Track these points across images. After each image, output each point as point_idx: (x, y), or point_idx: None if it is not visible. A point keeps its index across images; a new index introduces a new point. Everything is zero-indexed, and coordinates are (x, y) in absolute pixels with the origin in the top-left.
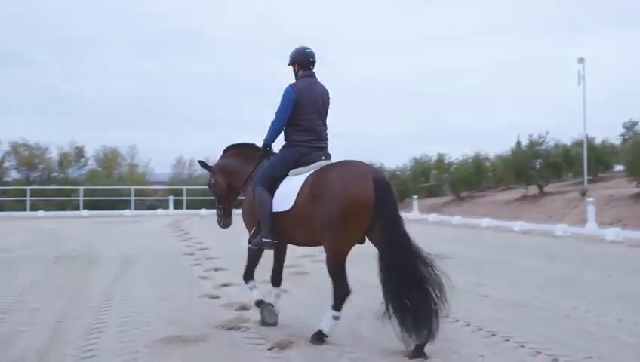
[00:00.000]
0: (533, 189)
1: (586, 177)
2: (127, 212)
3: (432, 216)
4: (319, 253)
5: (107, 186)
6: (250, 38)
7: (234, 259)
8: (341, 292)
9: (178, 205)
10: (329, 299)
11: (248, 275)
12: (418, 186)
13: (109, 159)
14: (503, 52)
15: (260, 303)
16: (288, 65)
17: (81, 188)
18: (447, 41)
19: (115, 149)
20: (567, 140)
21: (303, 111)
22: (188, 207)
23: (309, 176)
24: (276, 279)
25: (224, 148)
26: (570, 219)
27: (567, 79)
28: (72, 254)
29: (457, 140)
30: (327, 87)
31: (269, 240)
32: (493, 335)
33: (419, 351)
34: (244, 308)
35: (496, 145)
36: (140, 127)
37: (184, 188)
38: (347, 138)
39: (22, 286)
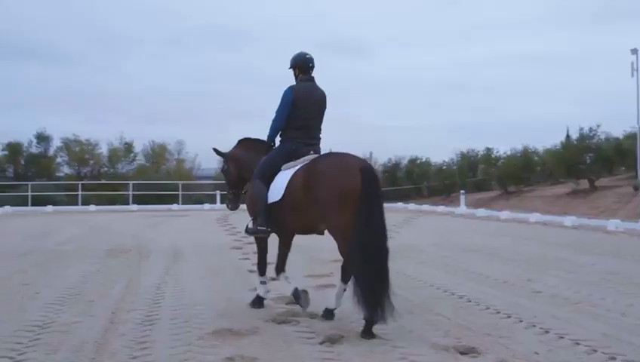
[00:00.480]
0: (583, 184)
1: (639, 171)
2: (175, 206)
3: (480, 211)
4: None
5: (155, 181)
6: (290, 32)
7: None
8: (347, 272)
9: (225, 200)
10: None
11: (261, 268)
12: (465, 181)
13: (157, 154)
14: (552, 42)
15: (261, 299)
16: (289, 68)
17: (131, 182)
18: (492, 31)
19: (163, 145)
20: (619, 133)
21: (300, 111)
22: None
23: (298, 169)
24: (280, 266)
25: (239, 139)
26: (622, 215)
27: (620, 70)
28: (123, 247)
29: (504, 134)
30: (324, 90)
31: (264, 228)
32: (547, 332)
33: (368, 327)
34: (293, 301)
35: (545, 138)
36: (187, 123)
37: None
38: (390, 131)
39: (76, 278)
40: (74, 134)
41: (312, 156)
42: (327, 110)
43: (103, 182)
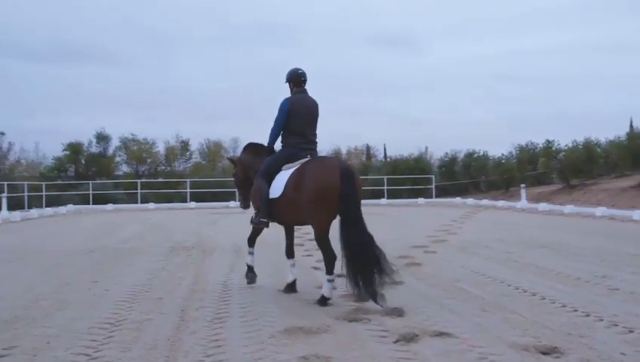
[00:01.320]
0: None
1: None
2: (232, 203)
3: (542, 205)
4: (431, 243)
5: (211, 179)
6: (339, 27)
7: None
8: (329, 258)
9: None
10: (448, 290)
11: (251, 241)
12: (525, 174)
13: (213, 152)
14: (610, 30)
15: (249, 268)
16: (285, 83)
17: (188, 180)
18: (546, 19)
19: (218, 142)
20: None
21: (295, 119)
22: None
23: (294, 171)
24: (289, 252)
25: (244, 146)
26: None
27: None
28: (185, 245)
29: (563, 126)
30: (316, 100)
31: (265, 220)
32: (631, 331)
33: (381, 303)
34: (362, 299)
35: (607, 130)
36: (241, 120)
37: None
38: (445, 125)
39: (143, 275)
40: (132, 133)
41: (305, 159)
42: (319, 116)
43: (161, 180)
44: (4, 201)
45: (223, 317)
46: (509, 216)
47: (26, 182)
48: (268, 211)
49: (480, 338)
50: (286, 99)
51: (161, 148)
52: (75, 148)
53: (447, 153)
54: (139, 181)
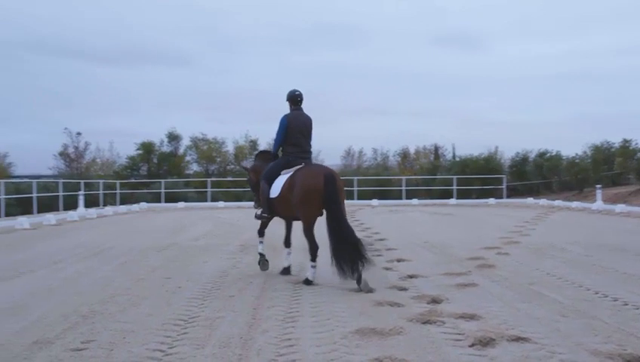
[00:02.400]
0: None
1: None
2: None
3: (620, 207)
4: (503, 245)
5: None
6: (404, 27)
7: (415, 250)
8: (313, 248)
9: (349, 196)
10: (523, 294)
11: (260, 233)
12: (600, 175)
13: None
14: None
15: (261, 255)
16: (285, 101)
17: None
18: (615, 17)
19: None
20: None
21: (292, 133)
22: (359, 198)
23: (289, 176)
24: (287, 242)
25: (255, 153)
26: None
27: None
28: (255, 243)
29: (637, 125)
30: (310, 116)
31: (266, 215)
32: None
33: (362, 286)
34: (435, 301)
35: None
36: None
37: (355, 178)
38: (515, 125)
39: (214, 273)
40: (202, 133)
41: (299, 166)
42: (313, 129)
43: (230, 179)
44: (82, 199)
45: (294, 316)
46: (584, 217)
47: (101, 181)
48: (269, 208)
49: (560, 344)
50: (285, 116)
51: (230, 147)
52: (147, 148)
53: (518, 153)
54: (209, 180)
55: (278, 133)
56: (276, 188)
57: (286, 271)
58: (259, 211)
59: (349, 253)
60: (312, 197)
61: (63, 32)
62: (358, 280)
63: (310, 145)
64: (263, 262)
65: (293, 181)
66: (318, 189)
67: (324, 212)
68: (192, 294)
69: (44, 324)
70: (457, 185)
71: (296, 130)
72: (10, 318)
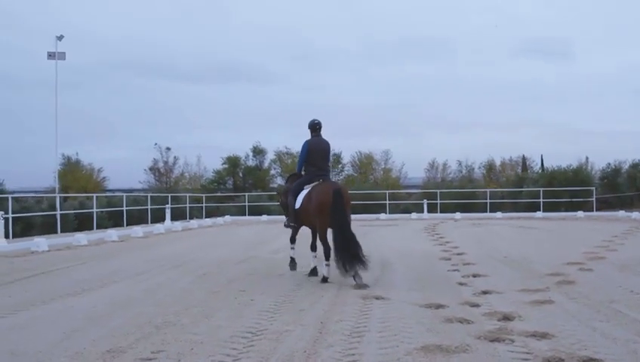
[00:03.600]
0: None
1: None
2: (382, 215)
3: None
4: (588, 260)
5: (363, 191)
6: (488, 38)
7: (493, 265)
8: (327, 250)
9: (432, 209)
10: (602, 312)
11: (292, 240)
12: None
13: (364, 164)
14: None
15: (291, 259)
16: (307, 129)
17: None
18: None
19: (370, 155)
20: None
21: (312, 155)
22: (442, 211)
23: (308, 190)
24: (313, 247)
25: (287, 176)
26: None
27: None
28: (333, 257)
29: None
30: (328, 141)
31: (293, 224)
32: None
33: (357, 281)
34: (507, 318)
35: None
36: (392, 134)
37: (438, 191)
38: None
39: (289, 286)
40: (286, 147)
41: (318, 182)
42: (331, 151)
43: None
44: (168, 212)
45: (361, 331)
46: None
47: (187, 194)
48: (295, 218)
49: None
50: (306, 142)
51: None
52: (233, 162)
53: (609, 164)
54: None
55: (301, 156)
56: (299, 201)
57: (312, 272)
58: (286, 220)
59: (349, 259)
60: (324, 208)
61: (154, 52)
62: (354, 276)
63: (328, 165)
64: (293, 264)
65: (310, 195)
66: (328, 202)
67: (331, 221)
68: (263, 307)
69: (120, 334)
70: (544, 198)
71: (315, 153)
72: (90, 327)
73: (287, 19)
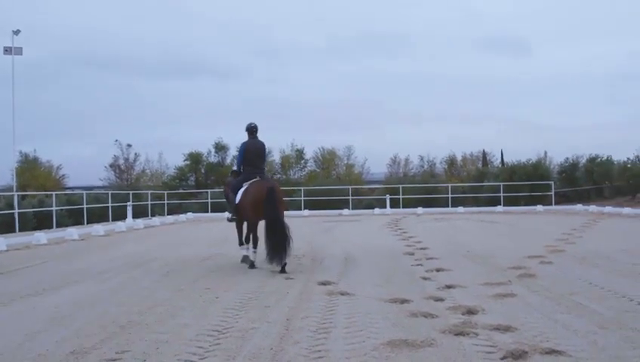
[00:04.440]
0: None
1: None
2: (345, 211)
3: None
4: (548, 253)
5: (326, 186)
6: (447, 33)
7: (456, 260)
8: (255, 239)
9: (394, 204)
10: (562, 304)
11: (240, 241)
12: None
13: (327, 160)
14: None
15: (245, 257)
16: (245, 131)
17: (302, 188)
18: None
19: (333, 150)
20: None
21: (249, 156)
22: (404, 206)
23: (245, 187)
24: (247, 239)
25: (230, 172)
26: None
27: None
28: (297, 252)
29: None
30: (264, 142)
31: (234, 217)
32: None
33: (282, 270)
34: (471, 312)
35: None
36: (355, 129)
37: (400, 186)
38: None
39: (254, 283)
40: None
41: (254, 180)
42: (266, 152)
43: None
44: (130, 210)
45: (327, 327)
46: (635, 224)
47: (149, 191)
48: (235, 211)
49: (596, 358)
50: (243, 143)
51: (276, 156)
52: (195, 158)
53: (567, 158)
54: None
55: (239, 156)
56: (238, 197)
57: (245, 259)
58: (229, 215)
59: (279, 246)
60: (258, 203)
61: (112, 46)
62: (282, 269)
63: (264, 164)
64: (246, 259)
65: (246, 191)
66: (261, 198)
67: (264, 213)
68: (229, 304)
69: (84, 334)
70: (505, 192)
71: (252, 153)
72: (53, 328)
73: (250, 14)
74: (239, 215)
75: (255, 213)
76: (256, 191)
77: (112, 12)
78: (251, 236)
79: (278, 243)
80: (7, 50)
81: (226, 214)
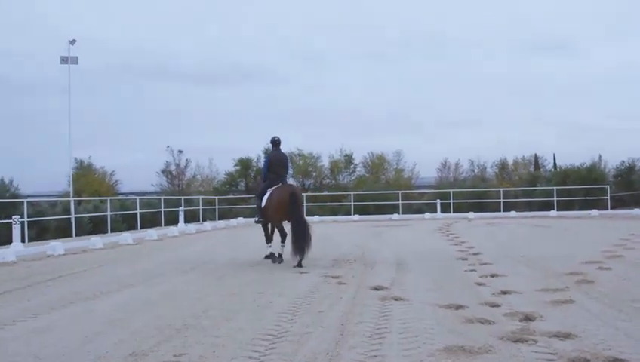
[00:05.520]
0: None
1: None
2: (395, 216)
3: None
4: (606, 259)
5: (375, 191)
6: (489, 35)
7: (510, 265)
8: (283, 234)
9: (445, 208)
10: (624, 312)
11: (267, 240)
12: None
13: (376, 165)
14: None
15: (271, 254)
16: (269, 143)
17: (352, 193)
18: None
19: (382, 155)
20: None
21: (273, 166)
22: (455, 211)
23: (270, 192)
24: (271, 238)
25: (259, 181)
26: None
27: None
28: (348, 258)
29: None
30: (286, 154)
31: (261, 219)
32: None
33: (299, 264)
34: (528, 318)
35: None
36: (404, 133)
37: (450, 191)
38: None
39: (306, 288)
40: (297, 148)
41: (277, 186)
42: (288, 161)
43: (326, 193)
44: (182, 215)
45: (382, 332)
46: None
47: (200, 197)
48: (262, 214)
49: None
50: (267, 154)
51: (325, 161)
52: (244, 164)
53: (623, 161)
54: (304, 194)
55: (264, 166)
56: (264, 200)
57: (280, 258)
58: (256, 218)
59: (301, 243)
60: (282, 206)
61: (164, 56)
62: (299, 264)
63: (286, 172)
64: (274, 257)
65: (271, 195)
66: (285, 201)
67: (287, 214)
68: (282, 309)
69: (140, 337)
70: (558, 197)
71: (275, 164)
72: (111, 330)
73: (295, 20)
74: (265, 216)
75: (278, 215)
76: (279, 196)
77: (162, 21)
78: (279, 232)
79: (300, 240)
80: (64, 60)
81: (255, 218)
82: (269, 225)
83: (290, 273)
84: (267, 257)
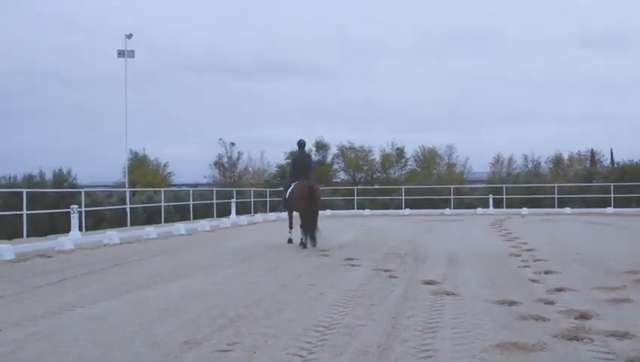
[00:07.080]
0: None
1: None
2: (447, 211)
3: None
4: None
5: (427, 185)
6: (539, 30)
7: (565, 262)
8: (304, 222)
9: (498, 204)
10: None
11: (290, 226)
12: None
13: (428, 159)
14: None
15: (290, 239)
16: (296, 145)
17: (403, 187)
18: None
19: (433, 149)
20: None
21: (298, 165)
22: (508, 206)
23: (293, 186)
24: (290, 226)
25: (286, 177)
26: None
27: None
28: (399, 252)
29: None
30: (310, 154)
31: (284, 208)
32: None
33: (304, 246)
34: (584, 316)
35: None
36: (455, 128)
37: (504, 186)
38: None
39: (357, 281)
40: (349, 141)
41: (299, 181)
42: (309, 160)
43: (376, 186)
44: (234, 206)
45: (434, 327)
46: None
47: (252, 189)
48: (285, 204)
49: None
50: (294, 156)
51: (376, 155)
52: None
53: None
54: (355, 188)
55: (291, 167)
56: (288, 193)
57: (301, 244)
58: (282, 206)
59: (309, 229)
60: (303, 198)
61: (211, 49)
62: (304, 245)
63: (309, 171)
64: (291, 241)
65: (294, 188)
66: (305, 194)
67: (305, 205)
68: (333, 301)
69: (195, 325)
70: (615, 194)
71: (300, 164)
72: (165, 318)
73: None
74: (289, 207)
75: (298, 205)
76: (299, 190)
77: (211, 17)
78: (301, 220)
79: (309, 227)
80: (121, 53)
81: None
82: (292, 214)
83: (341, 266)
84: (290, 241)
